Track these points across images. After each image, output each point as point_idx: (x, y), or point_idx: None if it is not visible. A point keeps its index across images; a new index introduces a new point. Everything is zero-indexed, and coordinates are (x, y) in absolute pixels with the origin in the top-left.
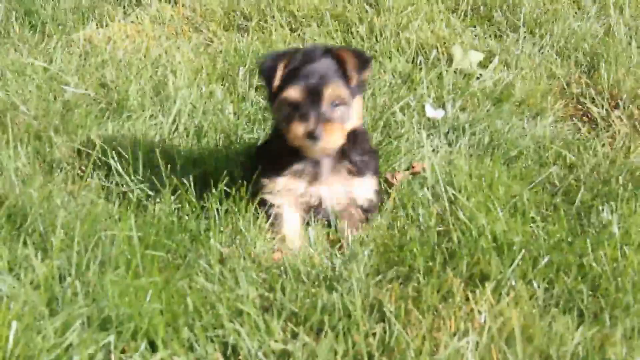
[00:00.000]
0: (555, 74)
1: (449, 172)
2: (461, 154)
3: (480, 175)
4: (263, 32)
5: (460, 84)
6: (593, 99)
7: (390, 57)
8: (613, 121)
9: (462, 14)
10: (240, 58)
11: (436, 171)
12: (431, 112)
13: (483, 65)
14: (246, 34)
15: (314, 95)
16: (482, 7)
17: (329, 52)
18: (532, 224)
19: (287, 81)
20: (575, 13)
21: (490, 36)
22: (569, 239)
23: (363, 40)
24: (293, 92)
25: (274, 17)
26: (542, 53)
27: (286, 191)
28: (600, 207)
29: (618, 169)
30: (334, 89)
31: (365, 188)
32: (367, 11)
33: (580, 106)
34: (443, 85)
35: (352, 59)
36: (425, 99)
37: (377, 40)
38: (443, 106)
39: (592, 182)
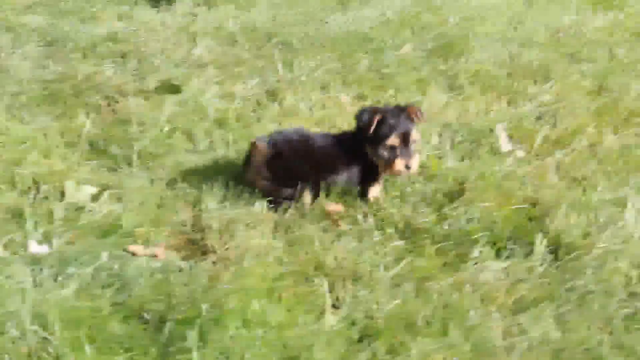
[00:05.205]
0: (164, 204)
1: (44, 309)
2: (67, 288)
3: (80, 311)
4: None
5: (70, 218)
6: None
7: None
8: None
9: (82, 148)
10: None
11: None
12: (35, 247)
13: (96, 198)
14: None
15: (405, 139)
16: (101, 142)
17: (403, 109)
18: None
19: (384, 130)
20: (191, 147)
21: (106, 169)
22: None
23: None
24: (394, 140)
25: None
26: (153, 185)
27: None
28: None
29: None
30: (414, 134)
31: None
32: None
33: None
34: (53, 219)
35: (416, 112)
36: (31, 234)
37: None
38: (51, 241)
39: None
